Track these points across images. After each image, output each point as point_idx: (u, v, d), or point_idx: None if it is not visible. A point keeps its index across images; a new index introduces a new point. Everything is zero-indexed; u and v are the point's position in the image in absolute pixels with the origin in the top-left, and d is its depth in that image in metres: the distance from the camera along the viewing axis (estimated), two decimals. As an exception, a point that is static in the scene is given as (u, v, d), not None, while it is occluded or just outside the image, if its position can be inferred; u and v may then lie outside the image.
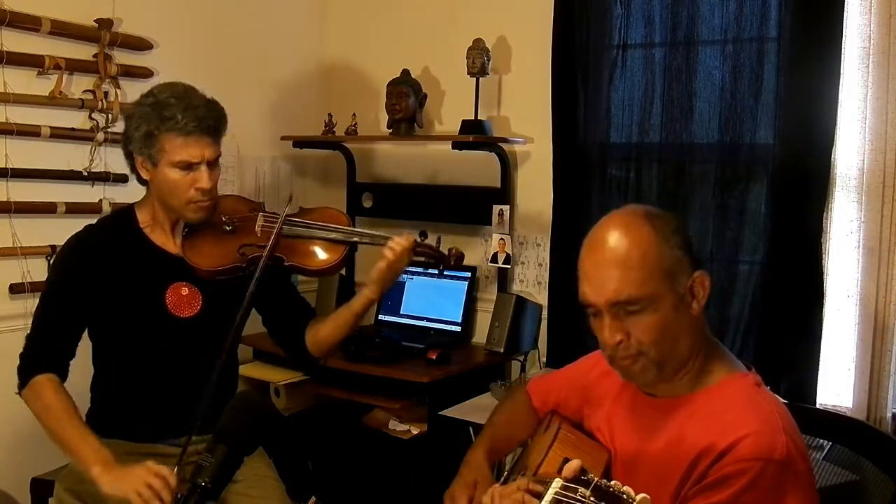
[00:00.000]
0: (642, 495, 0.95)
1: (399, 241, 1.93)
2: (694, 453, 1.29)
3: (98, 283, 1.91)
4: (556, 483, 0.98)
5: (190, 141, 1.83)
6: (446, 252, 2.02)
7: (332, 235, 1.99)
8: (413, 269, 3.21)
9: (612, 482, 0.96)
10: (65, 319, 1.91)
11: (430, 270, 3.14)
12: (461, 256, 2.03)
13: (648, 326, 1.31)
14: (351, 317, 1.99)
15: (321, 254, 1.99)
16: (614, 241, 1.33)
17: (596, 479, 0.97)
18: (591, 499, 0.94)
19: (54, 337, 1.89)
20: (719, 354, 1.41)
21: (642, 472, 1.40)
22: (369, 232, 2.00)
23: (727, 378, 1.37)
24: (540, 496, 1.00)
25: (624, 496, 0.94)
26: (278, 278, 1.99)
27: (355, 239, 2.01)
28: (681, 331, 1.34)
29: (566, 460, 1.40)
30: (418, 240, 2.00)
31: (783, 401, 2.29)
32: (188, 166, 1.85)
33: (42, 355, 1.87)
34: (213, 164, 1.89)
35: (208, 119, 1.84)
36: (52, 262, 1.99)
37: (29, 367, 1.86)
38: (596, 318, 1.36)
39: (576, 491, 0.95)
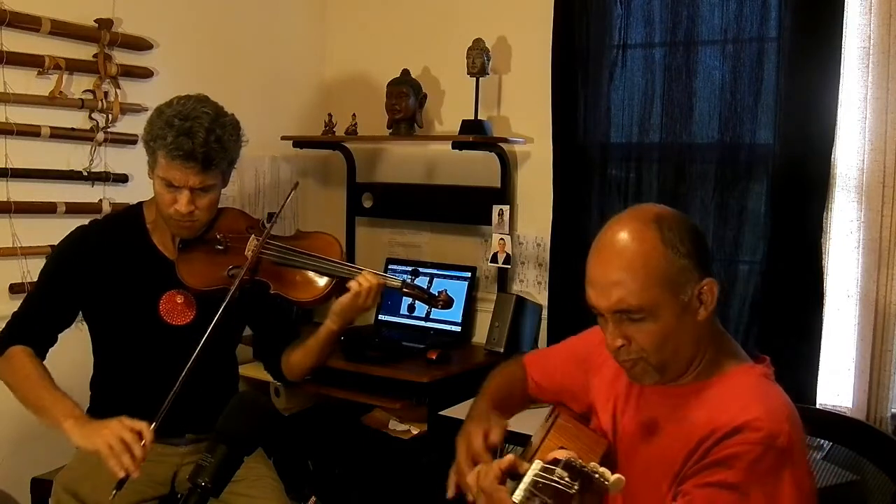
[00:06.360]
0: (616, 476, 0.97)
1: (367, 278, 1.88)
2: (698, 436, 1.30)
3: (95, 279, 1.92)
4: (537, 465, 1.00)
5: (175, 164, 1.81)
6: (436, 294, 1.99)
7: (322, 267, 1.92)
8: (412, 269, 3.21)
9: (590, 463, 0.98)
10: (52, 309, 1.93)
11: (430, 271, 3.16)
12: (449, 301, 2.00)
13: (649, 334, 1.32)
14: (317, 346, 1.97)
15: (307, 285, 1.93)
16: (620, 247, 1.33)
17: (570, 458, 0.98)
18: (567, 479, 0.96)
19: (38, 325, 1.91)
20: (729, 347, 1.42)
21: (644, 457, 1.41)
22: (357, 267, 1.93)
23: (736, 368, 1.39)
24: (521, 477, 1.03)
25: (597, 475, 0.96)
26: (268, 299, 1.94)
27: (344, 273, 1.92)
28: (683, 337, 1.34)
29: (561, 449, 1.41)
30: (408, 279, 1.98)
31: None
32: (171, 185, 1.84)
33: (23, 336, 1.88)
34: (202, 191, 1.86)
35: (199, 152, 1.80)
36: (54, 248, 2.00)
37: (7, 340, 1.87)
38: (600, 318, 1.38)
39: (553, 472, 0.97)
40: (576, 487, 0.96)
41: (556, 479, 0.97)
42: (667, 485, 1.34)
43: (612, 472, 1.41)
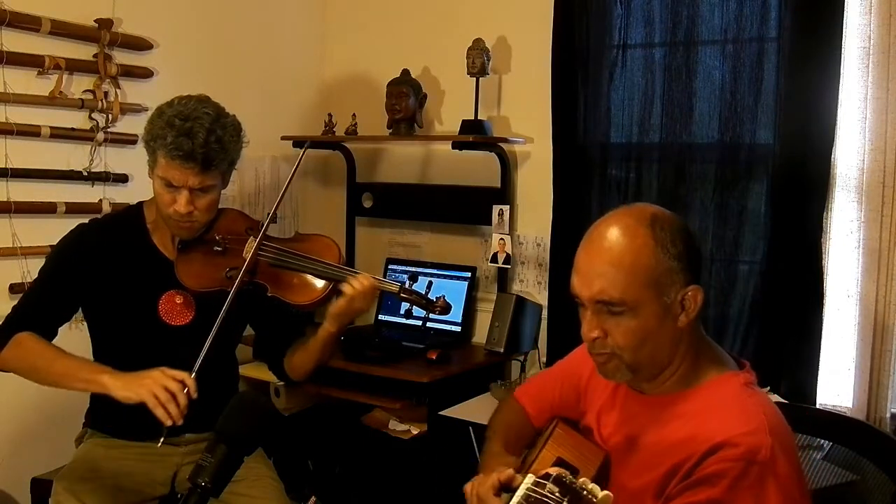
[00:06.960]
0: (605, 493, 0.98)
1: (360, 281, 1.88)
2: (680, 452, 1.30)
3: (94, 277, 1.92)
4: (529, 479, 1.01)
5: (174, 164, 1.81)
6: (434, 299, 1.98)
7: (319, 270, 1.92)
8: (412, 269, 3.21)
9: (580, 479, 0.99)
10: (51, 304, 1.93)
11: (430, 271, 3.16)
12: (447, 307, 1.99)
13: (627, 331, 1.32)
14: (317, 348, 1.97)
15: (305, 288, 1.92)
16: (611, 240, 1.33)
17: (561, 474, 1.00)
18: (557, 494, 0.97)
19: (38, 319, 1.90)
20: (710, 354, 1.41)
21: (626, 466, 1.40)
22: (354, 270, 1.93)
23: (716, 378, 1.37)
24: (514, 490, 1.05)
25: (585, 492, 0.97)
26: (267, 301, 1.94)
27: (341, 276, 1.91)
28: (660, 340, 1.34)
29: (559, 459, 1.42)
30: (406, 284, 1.98)
31: (782, 400, 2.30)
32: (171, 185, 1.84)
33: (24, 327, 1.88)
34: (201, 191, 1.85)
35: (199, 152, 1.80)
36: (54, 245, 2.00)
37: (8, 331, 1.87)
38: (581, 308, 1.38)
39: (544, 486, 0.99)
40: (565, 503, 0.97)
41: (547, 493, 0.99)
42: (651, 499, 1.33)
43: (607, 483, 1.42)
